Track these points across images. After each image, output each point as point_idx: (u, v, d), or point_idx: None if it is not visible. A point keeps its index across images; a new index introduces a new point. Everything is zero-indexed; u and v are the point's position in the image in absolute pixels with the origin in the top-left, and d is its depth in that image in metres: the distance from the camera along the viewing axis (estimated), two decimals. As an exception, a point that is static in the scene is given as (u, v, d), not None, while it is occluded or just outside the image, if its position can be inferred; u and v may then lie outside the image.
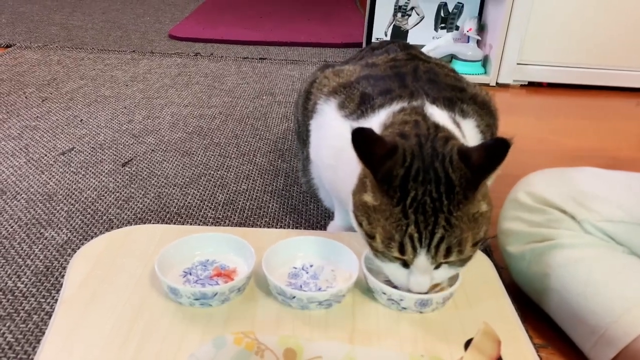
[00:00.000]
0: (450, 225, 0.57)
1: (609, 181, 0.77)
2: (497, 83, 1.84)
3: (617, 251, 0.69)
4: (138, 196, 1.02)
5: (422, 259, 0.59)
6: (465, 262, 0.62)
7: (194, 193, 1.05)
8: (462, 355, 0.55)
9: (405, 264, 0.61)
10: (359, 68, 0.82)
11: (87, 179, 1.07)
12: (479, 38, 1.90)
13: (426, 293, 0.63)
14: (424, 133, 0.62)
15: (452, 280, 0.67)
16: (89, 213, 0.96)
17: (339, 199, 0.82)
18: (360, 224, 0.62)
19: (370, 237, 0.61)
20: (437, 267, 0.61)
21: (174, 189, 1.06)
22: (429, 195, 0.57)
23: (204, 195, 1.04)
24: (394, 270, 0.62)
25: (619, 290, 0.64)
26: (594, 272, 0.67)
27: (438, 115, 0.68)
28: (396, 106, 0.70)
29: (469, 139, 0.70)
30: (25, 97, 1.47)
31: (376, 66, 0.82)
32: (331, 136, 0.77)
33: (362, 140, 0.57)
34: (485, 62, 1.89)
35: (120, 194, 1.03)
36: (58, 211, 0.96)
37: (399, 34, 1.98)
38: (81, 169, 1.11)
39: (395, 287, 0.65)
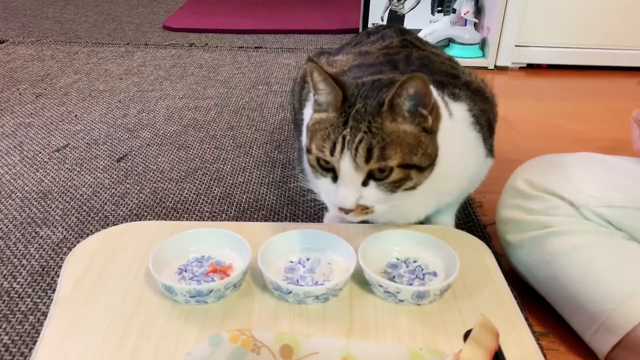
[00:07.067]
0: (370, 131, 0.62)
1: (607, 166, 0.75)
2: (495, 66, 1.82)
3: (616, 237, 0.68)
4: (133, 192, 1.02)
5: (346, 162, 0.62)
6: (394, 185, 0.64)
7: (189, 187, 1.04)
8: (461, 348, 0.54)
9: (335, 177, 0.64)
10: (352, 57, 0.82)
11: (82, 175, 1.06)
12: (476, 21, 1.87)
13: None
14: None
15: (450, 271, 0.66)
16: (85, 210, 0.95)
17: None
18: (302, 143, 0.67)
19: (308, 151, 0.66)
20: (366, 184, 0.63)
21: (169, 183, 1.05)
22: (365, 107, 0.63)
23: (200, 189, 1.03)
24: (325, 185, 0.66)
25: (619, 277, 0.64)
26: (594, 259, 0.66)
27: None
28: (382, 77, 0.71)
29: (459, 120, 0.71)
30: (19, 94, 1.46)
31: (369, 54, 0.82)
32: None
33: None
34: (483, 45, 1.87)
35: (116, 190, 1.02)
36: (53, 209, 0.95)
37: (395, 18, 1.96)
38: (76, 166, 1.10)
39: (391, 280, 0.64)
